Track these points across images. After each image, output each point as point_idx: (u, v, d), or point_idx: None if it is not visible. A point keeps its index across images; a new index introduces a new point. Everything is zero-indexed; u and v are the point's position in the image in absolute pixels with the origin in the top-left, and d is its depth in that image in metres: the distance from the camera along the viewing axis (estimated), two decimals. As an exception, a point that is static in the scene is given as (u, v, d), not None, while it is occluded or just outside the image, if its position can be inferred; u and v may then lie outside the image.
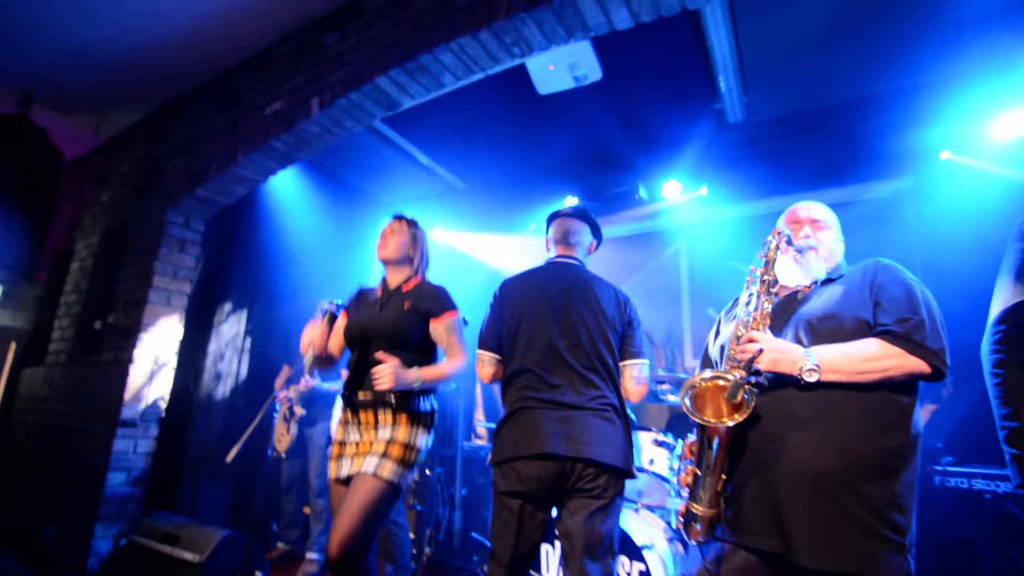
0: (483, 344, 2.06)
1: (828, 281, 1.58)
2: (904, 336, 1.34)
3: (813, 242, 1.60)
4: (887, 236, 3.73)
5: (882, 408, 1.36)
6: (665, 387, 3.41)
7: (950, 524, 2.90)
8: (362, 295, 2.31)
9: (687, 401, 1.41)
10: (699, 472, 1.44)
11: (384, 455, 1.92)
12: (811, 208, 1.69)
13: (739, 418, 1.33)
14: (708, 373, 1.43)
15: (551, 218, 2.30)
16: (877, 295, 1.43)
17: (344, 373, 2.32)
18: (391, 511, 2.02)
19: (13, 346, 4.32)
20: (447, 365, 2.11)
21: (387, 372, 1.89)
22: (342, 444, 2.06)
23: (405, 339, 2.08)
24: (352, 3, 3.02)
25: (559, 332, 1.92)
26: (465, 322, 2.29)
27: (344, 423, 2.09)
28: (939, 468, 2.92)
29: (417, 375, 1.99)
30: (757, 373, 1.42)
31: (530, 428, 1.81)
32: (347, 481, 1.96)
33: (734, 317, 1.62)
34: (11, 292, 4.42)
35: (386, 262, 2.25)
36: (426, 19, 2.62)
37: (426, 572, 3.57)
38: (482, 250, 5.44)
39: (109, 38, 3.29)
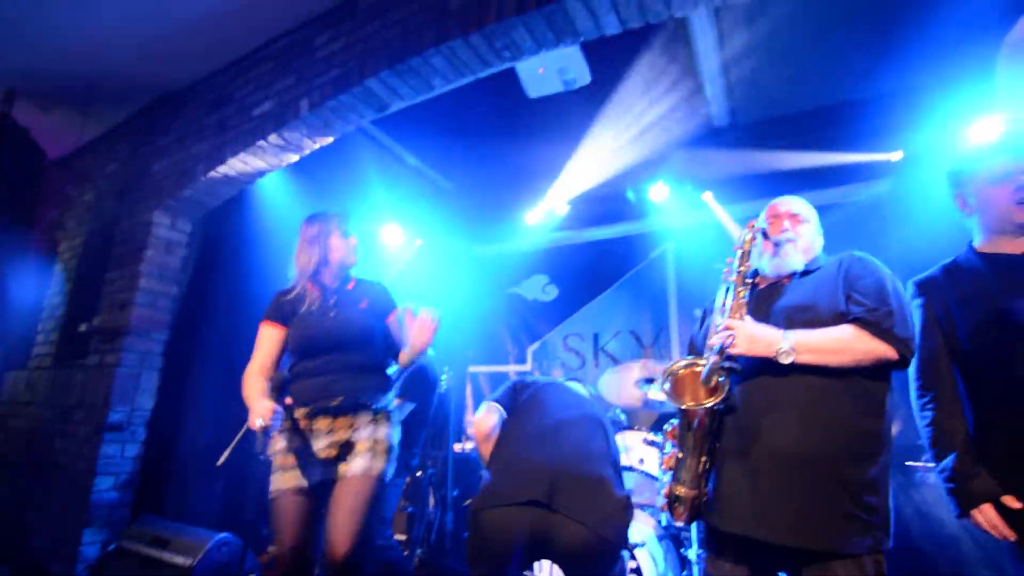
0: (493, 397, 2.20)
1: (806, 272, 1.67)
2: (874, 323, 1.43)
3: (792, 235, 1.68)
4: (868, 239, 3.80)
5: (858, 395, 1.44)
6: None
7: (932, 520, 2.96)
8: (286, 301, 2.17)
9: (666, 386, 1.47)
10: (681, 455, 1.50)
11: (371, 452, 1.92)
12: (790, 203, 1.78)
13: (715, 400, 1.40)
14: (684, 360, 1.52)
15: None
16: (850, 286, 1.52)
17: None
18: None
19: (-5, 349, 4.25)
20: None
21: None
22: (303, 452, 1.93)
23: (369, 340, 2.06)
24: (344, 3, 3.01)
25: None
26: None
27: (306, 431, 1.96)
28: (921, 464, 2.99)
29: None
30: (732, 358, 1.48)
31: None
32: (313, 490, 1.89)
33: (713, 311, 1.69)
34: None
35: (339, 269, 2.20)
36: (417, 21, 2.63)
37: (417, 573, 3.57)
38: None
39: (96, 35, 3.25)
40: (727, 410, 1.43)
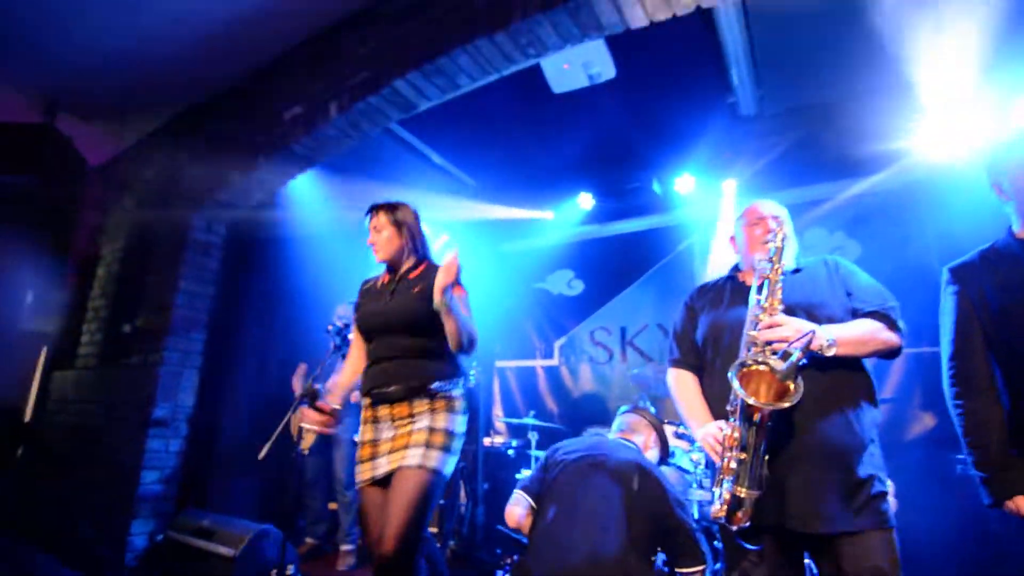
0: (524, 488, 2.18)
1: (796, 271, 1.75)
2: (889, 317, 1.57)
3: (782, 236, 1.72)
4: (903, 227, 3.71)
5: (866, 387, 1.58)
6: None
7: (974, 516, 2.88)
8: (369, 287, 2.21)
9: (735, 381, 1.43)
10: (744, 456, 1.45)
11: (427, 444, 1.84)
12: (770, 206, 1.84)
13: (789, 403, 1.36)
14: (768, 357, 1.46)
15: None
16: (847, 285, 1.67)
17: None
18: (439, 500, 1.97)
19: (44, 350, 4.44)
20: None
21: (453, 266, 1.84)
22: (374, 443, 1.95)
23: (422, 324, 1.96)
24: (370, 7, 3.06)
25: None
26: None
27: (372, 421, 1.98)
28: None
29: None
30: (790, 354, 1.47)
31: None
32: (384, 480, 1.87)
33: (705, 306, 1.81)
34: (40, 297, 4.54)
35: (387, 262, 2.15)
36: (443, 22, 2.66)
37: (450, 566, 3.63)
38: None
39: (132, 46, 3.36)
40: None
